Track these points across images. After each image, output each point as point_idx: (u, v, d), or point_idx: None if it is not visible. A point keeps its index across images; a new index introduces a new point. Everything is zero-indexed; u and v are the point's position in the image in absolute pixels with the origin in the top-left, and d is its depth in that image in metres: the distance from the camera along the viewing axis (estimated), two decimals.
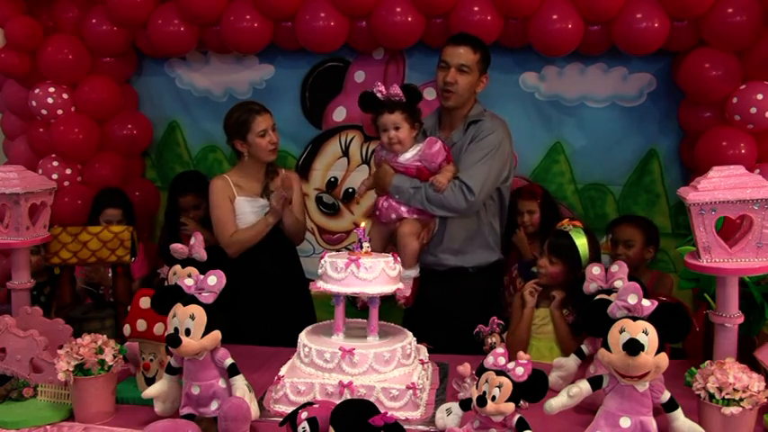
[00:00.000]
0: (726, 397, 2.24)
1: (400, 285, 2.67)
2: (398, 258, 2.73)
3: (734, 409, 2.22)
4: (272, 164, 3.67)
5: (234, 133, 3.59)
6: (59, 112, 4.19)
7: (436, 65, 3.52)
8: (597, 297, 2.57)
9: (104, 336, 2.59)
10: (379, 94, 3.35)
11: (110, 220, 3.98)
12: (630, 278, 2.59)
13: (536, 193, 3.97)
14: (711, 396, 2.27)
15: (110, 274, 3.67)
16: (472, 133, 3.44)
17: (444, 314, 3.45)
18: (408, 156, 3.36)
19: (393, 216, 3.39)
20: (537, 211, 3.94)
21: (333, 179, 4.48)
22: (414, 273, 3.41)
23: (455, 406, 2.32)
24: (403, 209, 3.37)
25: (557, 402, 2.19)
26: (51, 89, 4.18)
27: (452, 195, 3.30)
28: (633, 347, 2.04)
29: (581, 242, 3.07)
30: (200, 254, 2.77)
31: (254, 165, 3.62)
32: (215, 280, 2.34)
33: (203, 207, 4.04)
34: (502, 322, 2.95)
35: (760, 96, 3.57)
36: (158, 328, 2.59)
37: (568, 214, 4.18)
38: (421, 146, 3.35)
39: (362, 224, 2.78)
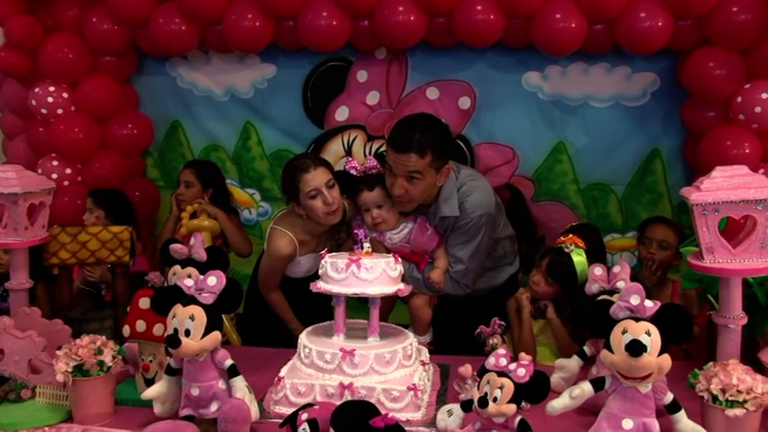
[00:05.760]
0: (729, 399, 2.23)
1: (401, 286, 2.66)
2: (399, 259, 2.73)
3: (738, 411, 2.21)
4: (341, 222, 3.32)
5: (288, 196, 3.29)
6: (59, 111, 4.19)
7: (385, 153, 3.12)
8: (599, 298, 2.56)
9: (103, 336, 2.58)
10: (353, 171, 3.16)
11: (87, 209, 4.03)
12: (633, 279, 2.59)
13: (502, 200, 3.82)
14: (715, 398, 2.26)
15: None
16: (451, 223, 3.17)
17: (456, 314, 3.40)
18: (396, 238, 3.22)
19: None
20: None
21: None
22: (427, 338, 3.35)
23: (456, 407, 2.32)
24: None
25: (558, 404, 2.19)
26: (51, 88, 4.17)
27: (451, 288, 3.23)
28: (636, 348, 2.04)
29: (579, 260, 3.02)
30: (200, 254, 2.76)
31: (319, 225, 3.28)
32: (215, 280, 2.34)
33: (197, 188, 4.06)
34: (503, 323, 2.94)
35: (764, 95, 3.56)
36: (158, 329, 2.59)
37: (554, 215, 4.22)
38: (411, 226, 3.21)
39: None
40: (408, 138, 2.98)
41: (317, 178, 3.14)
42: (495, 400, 2.09)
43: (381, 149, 4.31)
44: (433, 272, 3.18)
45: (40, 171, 4.14)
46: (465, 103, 4.26)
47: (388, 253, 3.13)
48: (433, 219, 3.19)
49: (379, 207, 3.13)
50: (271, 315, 3.44)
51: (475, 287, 3.33)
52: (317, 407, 2.20)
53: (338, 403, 2.17)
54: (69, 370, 2.44)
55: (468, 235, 3.15)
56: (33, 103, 4.18)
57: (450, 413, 2.33)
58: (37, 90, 4.18)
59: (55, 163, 4.27)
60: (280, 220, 3.37)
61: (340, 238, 3.42)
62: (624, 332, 2.09)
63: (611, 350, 2.12)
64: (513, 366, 2.12)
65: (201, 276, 2.36)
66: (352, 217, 3.38)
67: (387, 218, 3.15)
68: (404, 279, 2.79)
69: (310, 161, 3.21)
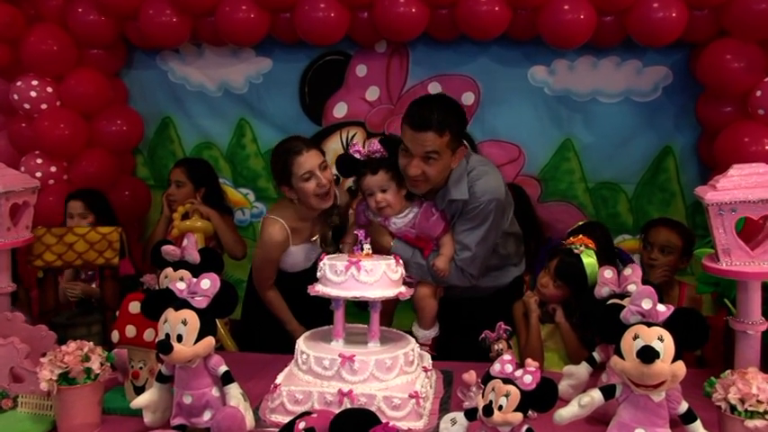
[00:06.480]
0: (749, 409, 2.21)
1: (402, 289, 2.65)
2: (400, 261, 2.72)
3: (758, 423, 2.19)
4: (332, 205, 3.39)
5: (278, 180, 3.37)
6: (43, 106, 4.19)
7: (401, 139, 3.13)
8: (609, 302, 2.55)
9: (91, 342, 2.56)
10: (357, 155, 3.19)
11: (72, 214, 3.93)
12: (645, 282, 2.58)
13: None
14: (733, 408, 2.24)
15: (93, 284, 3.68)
16: (459, 207, 3.19)
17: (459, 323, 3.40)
18: (401, 223, 3.22)
19: None
20: None
21: (334, 177, 4.45)
22: (433, 333, 3.35)
23: (460, 416, 2.31)
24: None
25: (567, 412, 2.18)
26: (34, 82, 4.17)
27: (456, 277, 3.23)
28: (648, 355, 2.03)
29: (589, 262, 3.01)
30: (193, 256, 2.75)
31: (311, 209, 3.35)
32: (208, 283, 2.32)
33: (188, 188, 4.07)
34: (509, 328, 2.93)
35: None
36: (148, 335, 2.58)
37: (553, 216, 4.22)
38: (416, 211, 3.21)
39: None
40: (427, 117, 3.00)
41: (310, 160, 3.22)
42: (500, 408, 2.08)
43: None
44: (437, 259, 3.19)
45: (23, 169, 4.13)
46: (468, 98, 4.27)
47: (393, 237, 3.20)
48: (441, 203, 3.20)
49: (383, 191, 3.15)
50: (270, 321, 3.45)
51: (479, 285, 3.34)
52: (315, 415, 2.19)
53: (337, 411, 2.16)
54: (54, 378, 2.41)
55: (477, 220, 3.16)
56: (15, 97, 4.18)
57: (453, 422, 2.33)
58: (19, 84, 4.18)
59: (39, 161, 4.27)
60: (271, 210, 3.46)
61: (332, 221, 3.47)
62: (636, 338, 2.08)
63: (621, 356, 2.11)
64: (519, 373, 2.11)
65: (195, 279, 2.35)
66: (348, 203, 3.48)
67: (391, 202, 3.16)
68: (405, 282, 2.78)
69: (302, 144, 3.29)
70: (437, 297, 3.33)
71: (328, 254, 3.28)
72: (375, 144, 3.18)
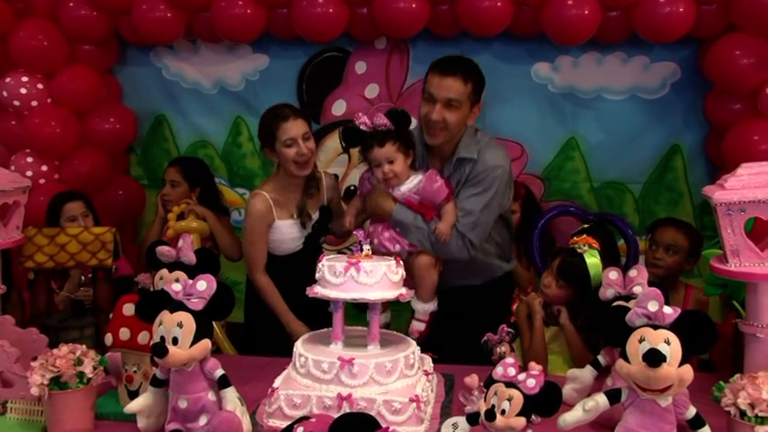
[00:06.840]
0: (759, 414, 2.22)
1: (403, 290, 2.65)
2: (401, 262, 2.72)
3: None
4: (312, 177, 3.55)
5: (262, 141, 3.52)
6: (34, 103, 4.18)
7: (422, 91, 3.33)
8: (614, 304, 2.56)
9: (83, 346, 2.56)
10: (363, 126, 3.25)
11: (73, 216, 3.84)
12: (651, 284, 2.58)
13: (517, 194, 3.85)
14: (743, 413, 2.25)
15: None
16: (466, 171, 3.29)
17: (454, 322, 3.43)
18: (405, 189, 3.27)
19: (396, 248, 3.29)
20: (518, 211, 3.96)
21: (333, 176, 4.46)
22: (432, 307, 3.38)
23: (462, 420, 2.32)
24: (406, 241, 3.28)
25: (571, 417, 2.18)
26: (24, 78, 4.15)
27: (455, 246, 3.26)
28: (654, 358, 2.03)
29: (592, 262, 3.02)
30: (189, 257, 2.76)
31: (290, 177, 3.49)
32: (204, 285, 2.32)
33: (183, 187, 4.07)
34: (512, 330, 2.94)
35: None
36: (143, 337, 2.58)
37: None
38: (420, 177, 3.27)
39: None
40: (455, 63, 3.26)
41: (294, 128, 3.39)
42: (503, 412, 2.09)
43: None
44: (440, 223, 3.24)
45: (13, 168, 4.11)
46: None
47: (395, 203, 3.26)
48: (448, 167, 3.32)
49: (390, 162, 3.22)
50: (273, 323, 3.46)
51: (473, 266, 3.40)
52: (313, 420, 2.19)
53: (336, 416, 2.16)
54: (45, 383, 2.41)
55: (482, 186, 3.25)
56: (4, 94, 4.16)
57: (455, 426, 2.34)
58: (8, 80, 4.16)
59: (30, 159, 4.25)
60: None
61: (310, 194, 3.55)
62: (641, 341, 2.09)
63: (627, 360, 2.12)
64: (522, 377, 2.12)
65: (190, 281, 2.35)
66: (335, 185, 3.66)
67: (398, 172, 3.23)
68: (406, 283, 2.79)
69: (290, 111, 3.47)
70: (438, 269, 3.36)
71: (305, 226, 3.47)
72: (381, 117, 3.24)
